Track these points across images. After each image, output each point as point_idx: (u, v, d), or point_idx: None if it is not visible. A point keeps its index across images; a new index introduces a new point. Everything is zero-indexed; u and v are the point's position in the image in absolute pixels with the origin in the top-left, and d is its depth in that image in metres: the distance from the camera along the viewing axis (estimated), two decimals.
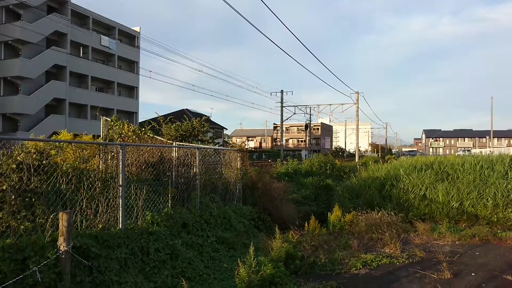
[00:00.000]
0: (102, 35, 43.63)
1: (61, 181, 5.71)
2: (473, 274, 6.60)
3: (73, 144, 7.19)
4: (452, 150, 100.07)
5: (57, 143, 6.82)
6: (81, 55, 41.13)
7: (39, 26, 35.29)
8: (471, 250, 8.17)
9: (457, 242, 8.91)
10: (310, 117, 57.45)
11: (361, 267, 6.98)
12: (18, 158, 5.47)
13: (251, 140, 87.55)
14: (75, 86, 41.12)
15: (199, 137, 14.33)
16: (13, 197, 5.15)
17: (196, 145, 11.62)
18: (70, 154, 6.72)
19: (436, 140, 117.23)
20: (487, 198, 10.68)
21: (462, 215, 10.85)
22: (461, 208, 10.90)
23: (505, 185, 10.94)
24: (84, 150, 6.93)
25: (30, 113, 35.50)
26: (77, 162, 6.45)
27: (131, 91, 49.35)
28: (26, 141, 6.59)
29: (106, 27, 45.23)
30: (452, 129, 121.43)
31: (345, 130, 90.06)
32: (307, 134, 62.98)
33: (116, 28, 45.95)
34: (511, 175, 11.61)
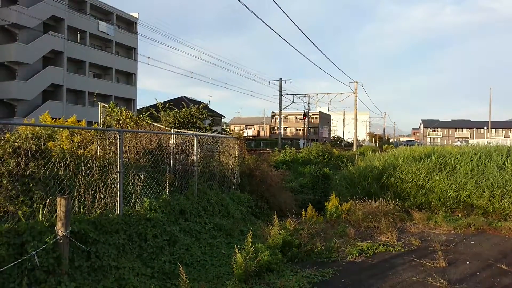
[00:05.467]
0: (99, 21, 43.18)
1: (58, 167, 5.70)
2: (468, 262, 6.67)
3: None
4: (450, 141, 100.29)
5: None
6: (78, 41, 40.73)
7: (36, 11, 34.87)
8: (467, 239, 8.24)
9: (453, 231, 8.98)
10: (308, 106, 57.34)
11: (357, 255, 7.03)
12: (16, 143, 5.45)
13: (249, 128, 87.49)
14: (73, 72, 40.85)
15: (198, 124, 14.28)
16: (10, 182, 5.15)
17: (194, 132, 11.59)
18: (64, 141, 6.70)
19: (434, 130, 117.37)
20: (484, 189, 10.73)
21: (459, 204, 10.90)
22: (457, 198, 10.94)
23: (502, 176, 10.98)
24: (77, 136, 6.90)
25: (27, 98, 35.30)
26: (74, 148, 6.43)
27: (129, 77, 49.06)
28: (22, 126, 6.55)
29: (103, 13, 44.73)
30: (450, 120, 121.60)
31: (344, 119, 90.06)
32: (305, 123, 62.91)
33: (114, 13, 45.45)
34: (508, 165, 11.63)
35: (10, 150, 5.32)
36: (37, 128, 6.94)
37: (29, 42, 35.29)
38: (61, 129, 7.38)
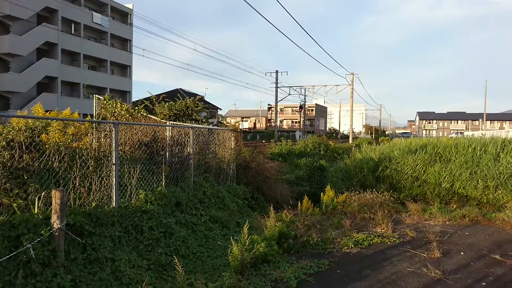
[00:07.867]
0: (94, 12, 42.75)
1: (53, 159, 5.67)
2: (462, 253, 6.73)
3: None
4: (445, 133, 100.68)
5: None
6: (72, 33, 40.34)
7: (30, 2, 34.45)
8: (461, 230, 8.31)
9: (447, 222, 9.05)
10: (304, 98, 57.34)
11: (352, 246, 7.07)
12: (9, 135, 5.41)
13: (246, 121, 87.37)
14: (67, 64, 40.50)
15: (193, 117, 14.25)
16: (5, 174, 5.12)
17: (190, 124, 11.56)
18: (57, 133, 6.66)
19: (430, 122, 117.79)
20: (478, 180, 10.79)
21: (453, 196, 10.97)
22: (452, 189, 11.01)
23: (496, 167, 11.04)
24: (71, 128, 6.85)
25: (21, 91, 35.01)
26: (68, 141, 6.39)
27: (124, 69, 48.72)
28: (15, 119, 6.50)
29: (98, 4, 44.28)
30: (445, 112, 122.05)
31: (340, 112, 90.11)
32: (302, 115, 62.91)
33: (109, 4, 45.00)
34: (503, 157, 11.70)
35: (4, 143, 5.28)
36: (30, 120, 6.89)
37: (23, 33, 34.90)
38: (53, 121, 7.31)
